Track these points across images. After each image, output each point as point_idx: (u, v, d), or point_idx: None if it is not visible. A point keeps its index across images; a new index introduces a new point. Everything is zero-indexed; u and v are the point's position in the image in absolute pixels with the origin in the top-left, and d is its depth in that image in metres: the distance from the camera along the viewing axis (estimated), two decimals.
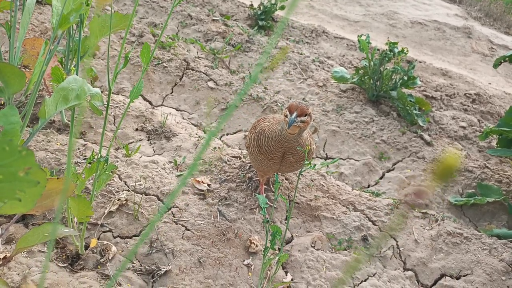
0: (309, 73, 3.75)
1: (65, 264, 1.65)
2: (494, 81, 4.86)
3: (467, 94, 3.95)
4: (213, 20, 4.30)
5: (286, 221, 2.05)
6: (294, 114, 1.67)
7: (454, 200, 2.74)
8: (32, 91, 1.04)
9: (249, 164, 2.38)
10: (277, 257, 1.71)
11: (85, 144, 2.27)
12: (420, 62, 4.58)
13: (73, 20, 0.99)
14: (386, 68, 3.36)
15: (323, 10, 5.86)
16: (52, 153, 2.10)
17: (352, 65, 4.22)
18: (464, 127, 3.45)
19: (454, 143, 3.26)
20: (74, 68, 1.36)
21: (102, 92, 2.69)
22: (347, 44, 4.74)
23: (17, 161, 0.61)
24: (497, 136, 2.89)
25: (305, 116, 1.71)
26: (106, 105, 1.47)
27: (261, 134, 1.90)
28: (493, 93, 4.17)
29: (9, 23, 1.54)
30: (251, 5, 4.83)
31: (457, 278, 2.11)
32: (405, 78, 3.34)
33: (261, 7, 4.73)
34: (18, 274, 1.52)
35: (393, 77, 3.38)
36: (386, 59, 3.27)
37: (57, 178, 1.17)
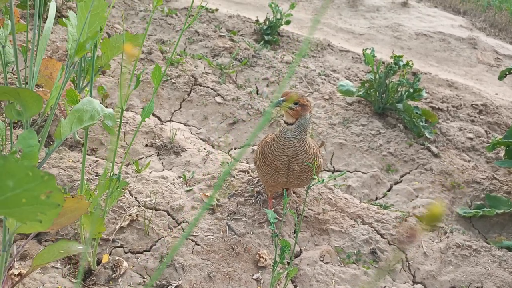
0: (315, 87, 3.79)
1: (78, 280, 1.68)
2: (501, 92, 4.86)
3: (473, 105, 3.96)
4: (220, 35, 4.38)
5: (295, 235, 2.07)
6: (282, 98, 1.80)
7: (462, 212, 2.73)
8: (48, 113, 1.09)
9: (257, 178, 2.41)
10: (286, 271, 1.72)
11: (96, 161, 2.32)
12: (425, 73, 4.61)
13: (89, 47, 1.04)
14: (392, 81, 3.38)
15: (328, 23, 5.92)
16: (65, 170, 2.15)
17: (358, 77, 4.26)
18: (471, 138, 3.45)
19: (461, 154, 3.26)
20: (87, 90, 1.41)
21: (112, 108, 2.75)
22: (352, 57, 4.79)
23: (40, 186, 0.65)
24: (505, 147, 2.89)
25: (294, 104, 1.80)
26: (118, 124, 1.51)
27: (265, 145, 1.95)
28: (500, 103, 4.17)
29: (25, 46, 1.61)
30: (257, 20, 4.91)
31: None
32: (411, 90, 3.36)
33: (267, 22, 4.81)
34: None
35: (399, 89, 3.40)
36: (392, 72, 3.30)
37: (72, 197, 1.21)
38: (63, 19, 1.17)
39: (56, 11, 3.32)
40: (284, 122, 1.87)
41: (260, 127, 0.56)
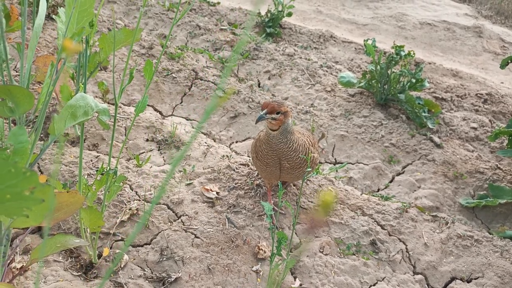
0: (317, 79, 3.78)
1: (79, 273, 1.71)
2: (507, 80, 4.80)
3: (478, 94, 3.92)
4: (221, 29, 4.37)
5: (293, 227, 2.08)
6: (264, 111, 1.78)
7: (465, 202, 2.72)
8: (40, 110, 1.10)
9: (257, 171, 2.42)
10: (285, 263, 1.74)
11: (98, 156, 2.34)
12: (429, 63, 4.56)
13: (76, 43, 1.05)
14: (394, 71, 3.36)
15: (331, 14, 5.88)
16: (66, 166, 2.17)
17: (361, 69, 4.23)
18: (475, 128, 3.42)
19: (465, 144, 3.24)
20: (82, 85, 1.43)
21: (114, 104, 2.76)
22: (355, 48, 4.75)
23: (22, 182, 0.67)
24: (508, 136, 2.86)
25: (276, 113, 1.80)
26: (114, 119, 1.53)
27: (257, 140, 1.97)
28: (505, 92, 4.12)
29: (18, 43, 1.62)
30: (259, 13, 4.89)
31: (468, 281, 2.10)
32: (413, 80, 3.33)
33: (269, 15, 4.79)
34: (34, 283, 1.59)
35: (401, 80, 3.37)
36: (393, 62, 3.27)
37: (67, 192, 1.23)
38: (53, 16, 1.18)
39: (57, 7, 3.34)
40: (269, 129, 1.88)
41: (210, 110, 0.56)
